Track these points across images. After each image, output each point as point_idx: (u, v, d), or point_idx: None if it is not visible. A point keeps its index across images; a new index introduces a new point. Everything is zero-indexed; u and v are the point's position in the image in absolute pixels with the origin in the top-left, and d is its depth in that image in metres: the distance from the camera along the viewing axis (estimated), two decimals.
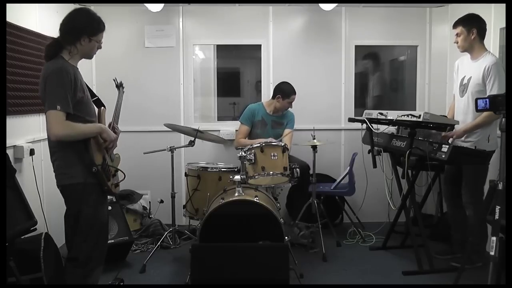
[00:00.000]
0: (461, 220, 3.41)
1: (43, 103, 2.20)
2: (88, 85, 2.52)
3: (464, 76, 3.25)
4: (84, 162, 2.22)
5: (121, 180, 2.50)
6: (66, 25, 2.29)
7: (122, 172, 2.49)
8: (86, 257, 2.29)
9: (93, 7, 4.23)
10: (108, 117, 2.57)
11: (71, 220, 2.33)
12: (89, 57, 2.43)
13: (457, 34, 3.19)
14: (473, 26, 3.12)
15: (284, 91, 3.97)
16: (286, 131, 4.07)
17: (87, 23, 2.29)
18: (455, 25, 3.21)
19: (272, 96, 4.08)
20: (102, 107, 2.53)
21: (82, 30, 2.27)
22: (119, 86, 2.81)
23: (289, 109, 4.11)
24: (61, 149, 2.25)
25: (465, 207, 3.27)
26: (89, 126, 2.27)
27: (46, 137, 2.27)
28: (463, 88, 3.24)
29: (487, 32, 3.19)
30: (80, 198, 2.27)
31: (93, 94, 2.55)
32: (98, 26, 2.33)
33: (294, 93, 3.98)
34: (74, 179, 2.25)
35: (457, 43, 3.21)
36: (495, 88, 2.97)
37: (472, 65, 3.18)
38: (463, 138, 3.18)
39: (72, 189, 2.27)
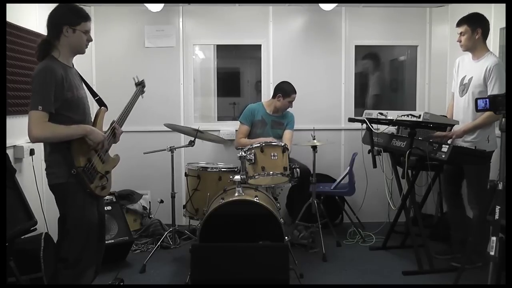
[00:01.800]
0: (461, 220, 3.40)
1: None
2: (89, 84, 2.51)
3: (465, 76, 3.24)
4: (66, 162, 2.21)
5: (105, 183, 2.40)
6: (48, 20, 2.28)
7: (105, 176, 2.39)
8: (76, 258, 2.25)
9: (93, 7, 4.25)
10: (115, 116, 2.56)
11: (60, 220, 2.32)
12: (80, 50, 2.35)
13: (461, 33, 3.16)
14: (478, 25, 3.10)
15: (285, 90, 3.97)
16: (286, 132, 4.07)
17: (65, 13, 2.27)
18: (459, 24, 3.17)
19: (273, 96, 4.08)
20: (102, 107, 2.50)
21: (61, 21, 2.25)
22: (138, 84, 2.82)
23: (289, 109, 4.11)
24: (49, 149, 2.25)
25: (470, 208, 3.26)
26: (72, 128, 2.21)
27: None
28: (463, 87, 3.23)
29: None
30: (65, 198, 2.26)
31: (94, 94, 2.53)
32: (77, 14, 2.29)
33: (295, 92, 3.98)
34: (59, 179, 2.23)
35: (460, 41, 3.18)
36: (496, 89, 2.96)
37: (473, 65, 3.17)
38: (462, 138, 3.18)
39: (58, 189, 2.26)
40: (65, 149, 2.20)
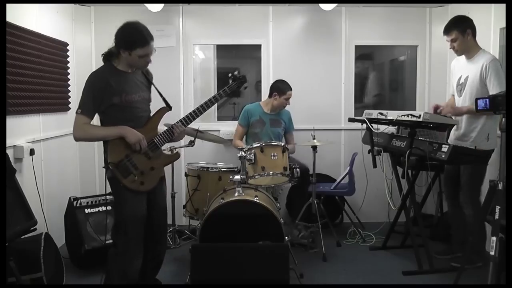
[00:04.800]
0: (462, 220, 3.40)
1: None
2: (156, 87, 2.65)
3: (461, 76, 3.25)
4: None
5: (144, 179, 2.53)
6: (115, 36, 2.42)
7: (150, 172, 2.56)
8: (123, 247, 2.44)
9: (93, 7, 4.25)
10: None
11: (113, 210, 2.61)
12: (138, 67, 2.52)
13: (451, 40, 3.17)
14: (466, 27, 3.12)
15: (280, 88, 3.98)
16: (289, 135, 4.13)
17: (126, 37, 2.38)
18: (447, 31, 3.18)
19: (269, 95, 4.09)
20: (164, 107, 2.66)
21: (119, 43, 2.39)
22: (235, 79, 2.83)
23: (286, 107, 4.11)
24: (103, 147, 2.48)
25: (462, 207, 3.27)
26: (108, 129, 2.43)
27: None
28: (461, 87, 3.24)
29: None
30: (114, 191, 2.50)
31: (159, 94, 2.69)
32: (136, 41, 2.37)
33: (290, 89, 3.98)
34: (107, 174, 2.47)
35: (454, 48, 3.19)
36: (495, 85, 2.97)
37: (468, 65, 3.18)
38: (461, 137, 3.19)
39: (110, 182, 2.49)
40: (105, 146, 2.44)
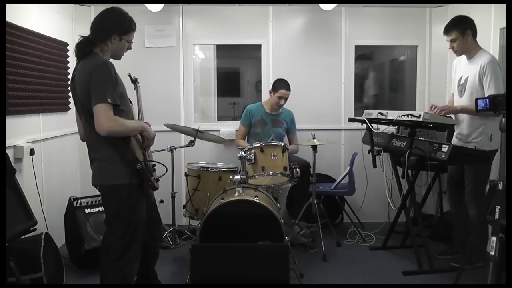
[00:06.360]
0: (464, 220, 3.40)
1: (81, 102, 2.19)
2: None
3: (461, 76, 3.25)
4: (126, 161, 2.20)
5: (164, 174, 2.52)
6: (98, 23, 2.30)
7: (164, 166, 2.53)
8: (123, 250, 2.27)
9: (93, 7, 4.25)
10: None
11: (110, 218, 2.33)
12: (118, 57, 2.40)
13: (451, 40, 3.17)
14: (466, 28, 3.11)
15: (274, 85, 4.00)
16: (292, 136, 4.14)
17: (119, 21, 2.30)
18: (447, 31, 3.18)
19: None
20: (131, 104, 2.53)
21: (113, 29, 2.28)
22: (134, 82, 2.77)
23: (289, 108, 4.11)
24: (103, 147, 2.21)
25: (467, 207, 3.26)
26: (133, 123, 2.28)
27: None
28: (461, 88, 3.24)
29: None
30: (122, 199, 2.25)
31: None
32: (129, 25, 2.33)
33: (285, 88, 3.96)
34: (119, 180, 2.23)
35: (453, 48, 3.19)
36: (491, 85, 2.96)
37: (468, 65, 3.18)
38: (465, 138, 3.18)
39: (116, 189, 2.25)
40: (124, 146, 2.20)
